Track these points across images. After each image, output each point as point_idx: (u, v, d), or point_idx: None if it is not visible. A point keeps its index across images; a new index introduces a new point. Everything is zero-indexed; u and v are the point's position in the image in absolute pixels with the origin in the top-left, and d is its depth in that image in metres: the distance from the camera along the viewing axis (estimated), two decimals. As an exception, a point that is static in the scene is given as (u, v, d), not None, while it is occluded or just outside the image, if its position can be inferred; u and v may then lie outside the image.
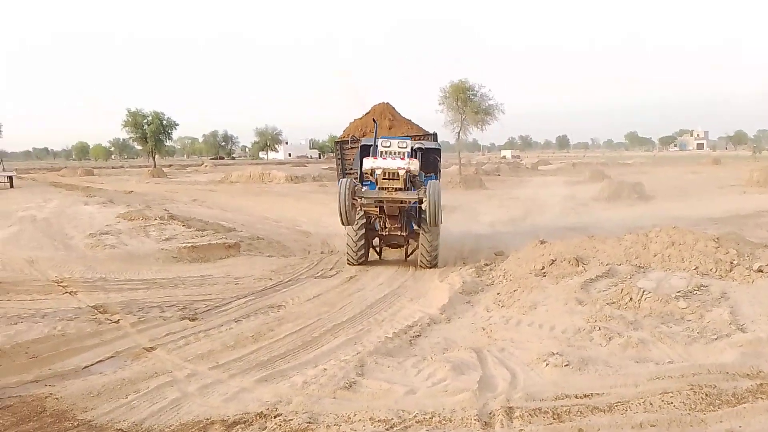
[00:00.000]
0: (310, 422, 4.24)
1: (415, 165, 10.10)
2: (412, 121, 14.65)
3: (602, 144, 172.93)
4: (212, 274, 10.79)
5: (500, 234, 15.43)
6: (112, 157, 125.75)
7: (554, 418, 4.07)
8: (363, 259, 11.43)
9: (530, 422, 4.02)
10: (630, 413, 4.11)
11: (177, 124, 63.48)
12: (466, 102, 40.44)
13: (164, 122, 63.78)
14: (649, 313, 6.48)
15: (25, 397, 5.08)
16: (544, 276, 8.64)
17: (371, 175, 10.38)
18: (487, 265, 10.56)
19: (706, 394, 4.32)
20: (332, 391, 4.85)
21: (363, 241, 11.27)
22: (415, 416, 4.21)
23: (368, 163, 10.21)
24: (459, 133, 41.46)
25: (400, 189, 10.10)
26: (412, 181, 10.58)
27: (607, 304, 6.82)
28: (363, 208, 10.71)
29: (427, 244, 10.72)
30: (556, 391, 4.51)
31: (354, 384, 4.98)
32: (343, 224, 10.35)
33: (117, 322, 7.52)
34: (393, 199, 10.18)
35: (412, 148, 10.58)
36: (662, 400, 4.24)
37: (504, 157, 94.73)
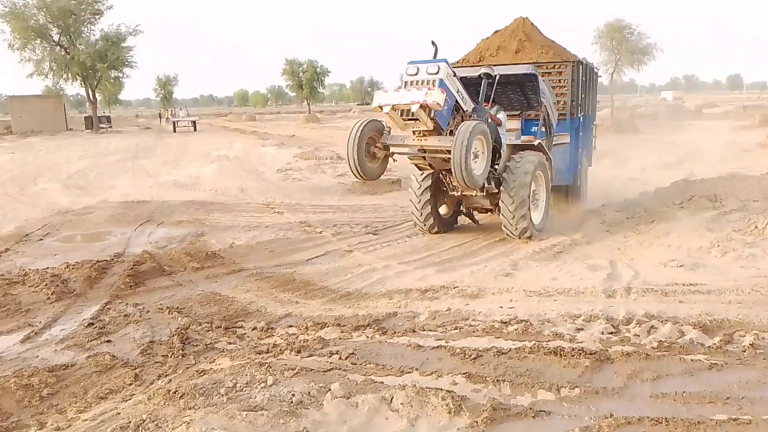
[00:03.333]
0: (479, 291, 6.02)
1: (436, 97, 7.19)
2: (556, 42, 11.77)
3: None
4: (382, 204, 12.79)
5: (650, 179, 15.84)
6: (269, 103, 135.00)
7: (662, 295, 5.49)
8: (435, 226, 9.22)
9: (643, 296, 5.48)
10: (723, 295, 5.41)
11: (329, 72, 66.51)
12: (622, 42, 39.15)
13: (318, 70, 67.64)
14: (769, 238, 7.41)
15: (278, 273, 7.35)
16: (682, 209, 9.61)
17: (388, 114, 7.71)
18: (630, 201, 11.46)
19: None
20: (494, 276, 6.60)
21: (430, 205, 9.08)
22: (557, 290, 5.85)
23: (378, 98, 7.65)
24: (612, 74, 40.37)
25: (431, 133, 7.68)
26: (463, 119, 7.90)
27: (734, 231, 7.80)
28: (411, 160, 8.64)
29: (506, 209, 8.33)
30: (668, 281, 5.90)
31: (510, 274, 6.68)
32: (357, 178, 8.32)
33: (320, 233, 9.75)
34: (425, 149, 7.95)
35: (454, 74, 7.75)
36: (752, 289, 5.48)
37: (664, 98, 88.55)
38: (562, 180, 10.55)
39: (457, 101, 7.82)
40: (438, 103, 7.28)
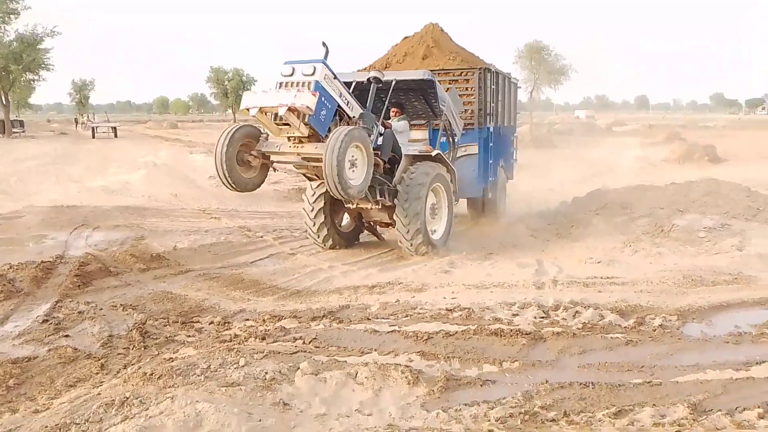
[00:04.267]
0: (422, 286, 6.53)
1: (306, 100, 6.61)
2: (467, 49, 11.48)
3: (685, 105, 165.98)
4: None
5: (568, 190, 16.97)
6: (190, 111, 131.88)
7: (584, 286, 6.20)
8: (330, 239, 8.71)
9: (567, 287, 6.16)
10: (635, 286, 6.18)
11: (256, 81, 66.05)
12: (540, 62, 41.33)
13: (244, 78, 67.13)
14: (674, 239, 8.35)
15: (225, 274, 7.57)
16: (597, 215, 10.53)
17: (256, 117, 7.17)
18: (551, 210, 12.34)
19: (692, 280, 6.33)
20: (434, 273, 7.14)
21: (324, 216, 8.53)
22: (492, 283, 6.45)
23: (246, 99, 7.10)
24: (532, 92, 42.43)
25: (308, 139, 7.09)
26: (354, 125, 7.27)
27: (642, 233, 8.74)
28: (297, 170, 8.23)
29: (400, 223, 7.89)
30: (588, 275, 6.63)
31: (448, 271, 7.24)
32: (230, 189, 7.58)
33: (261, 237, 9.99)
34: (291, 154, 7.39)
35: (334, 76, 7.12)
36: (660, 281, 6.29)
37: (577, 117, 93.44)
38: (471, 192, 10.39)
39: (339, 106, 7.27)
40: (308, 107, 6.69)
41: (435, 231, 8.51)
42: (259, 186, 7.91)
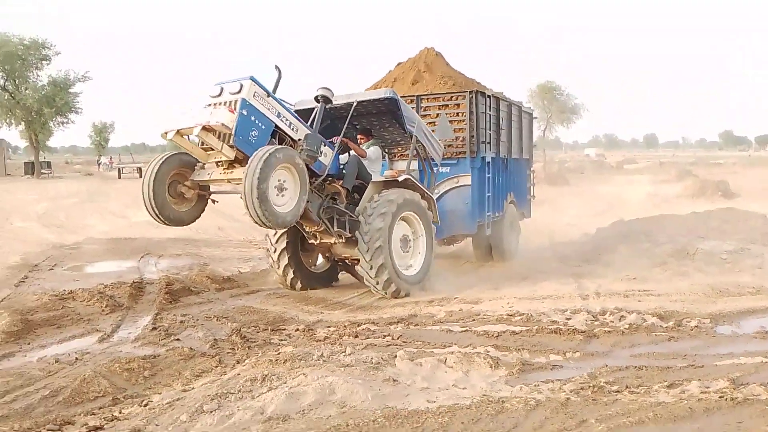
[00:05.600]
0: (477, 299, 7.34)
1: (221, 117, 6.21)
2: (465, 74, 10.75)
3: (694, 143, 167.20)
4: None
5: (586, 224, 17.62)
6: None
7: (624, 297, 7.00)
8: (297, 282, 8.13)
9: (609, 298, 6.97)
10: (670, 297, 6.97)
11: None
12: (552, 101, 42.62)
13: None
14: (698, 261, 9.13)
15: (292, 294, 8.36)
16: (622, 243, 11.31)
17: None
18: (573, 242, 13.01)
19: (719, 291, 7.13)
20: (483, 290, 7.96)
21: (288, 255, 7.98)
22: (542, 296, 7.26)
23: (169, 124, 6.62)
24: (544, 131, 43.60)
25: (240, 164, 6.52)
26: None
27: (669, 256, 9.51)
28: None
29: (362, 257, 7.34)
30: (626, 289, 7.44)
31: (497, 288, 8.05)
32: (161, 224, 7.01)
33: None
34: (222, 181, 6.82)
35: (268, 93, 6.70)
36: (691, 292, 7.09)
37: (587, 155, 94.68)
38: (462, 228, 9.54)
39: (278, 126, 6.76)
40: (224, 125, 6.22)
41: (410, 266, 7.82)
42: (195, 219, 7.29)
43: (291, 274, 8.13)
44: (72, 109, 41.94)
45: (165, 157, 6.91)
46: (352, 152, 7.97)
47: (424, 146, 8.26)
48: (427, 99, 9.83)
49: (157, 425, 3.83)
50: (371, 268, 7.31)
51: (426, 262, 7.97)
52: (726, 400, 4.00)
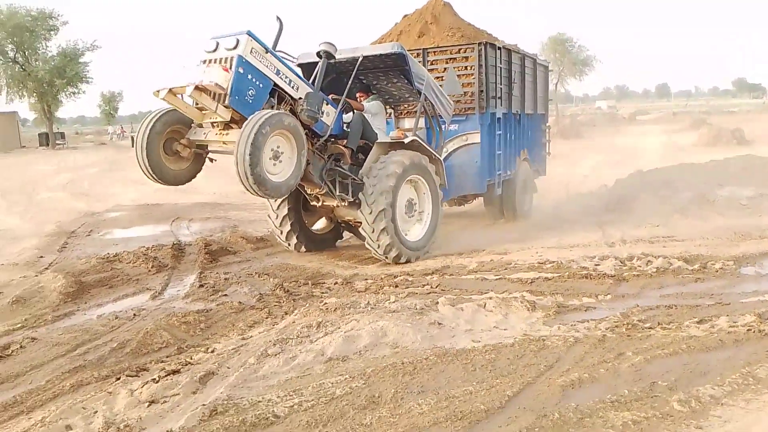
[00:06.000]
0: (506, 250, 7.61)
1: (215, 76, 5.90)
2: (474, 25, 10.21)
3: (707, 92, 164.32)
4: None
5: (602, 175, 17.70)
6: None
7: (649, 243, 7.28)
8: (301, 244, 8.11)
9: (635, 244, 7.25)
10: (694, 241, 7.24)
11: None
12: (564, 54, 42.07)
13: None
14: (719, 207, 9.34)
15: (324, 250, 8.68)
16: (643, 192, 11.50)
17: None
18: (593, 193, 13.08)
19: (741, 235, 7.38)
20: (509, 241, 8.23)
21: (290, 222, 7.95)
22: (569, 245, 7.55)
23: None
24: (557, 84, 43.18)
25: (237, 124, 6.23)
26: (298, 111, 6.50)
27: (689, 203, 9.72)
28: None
29: (364, 221, 7.12)
30: (650, 235, 7.71)
31: (523, 239, 8.30)
32: (155, 182, 6.75)
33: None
34: (217, 143, 6.52)
35: (267, 50, 6.32)
36: (714, 237, 7.34)
37: (599, 107, 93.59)
38: (471, 188, 9.15)
39: (276, 85, 6.40)
40: (218, 84, 5.86)
41: (415, 231, 7.58)
42: (191, 179, 7.01)
43: (294, 239, 8.09)
44: (83, 79, 41.98)
45: (160, 113, 6.51)
46: (356, 110, 7.56)
47: (432, 104, 7.90)
48: (434, 52, 9.28)
49: (228, 368, 4.18)
50: (373, 232, 7.04)
51: (431, 228, 7.66)
52: (753, 332, 4.28)
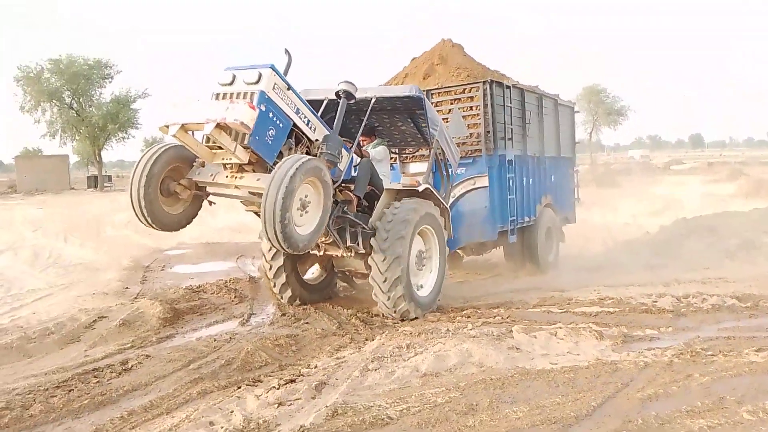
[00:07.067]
0: (563, 288, 8.09)
1: (241, 114, 5.23)
2: (482, 64, 9.66)
3: (741, 142, 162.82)
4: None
5: (643, 223, 17.79)
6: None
7: (702, 284, 7.72)
8: (296, 300, 7.49)
9: (689, 284, 7.68)
10: (744, 282, 7.70)
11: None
12: (599, 104, 42.79)
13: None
14: (765, 252, 9.69)
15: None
16: (688, 238, 11.87)
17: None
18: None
19: None
20: (564, 281, 8.70)
21: (286, 274, 7.37)
22: (626, 283, 8.00)
23: (168, 113, 5.60)
24: (591, 133, 43.79)
25: (254, 167, 5.77)
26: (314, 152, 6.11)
27: (737, 248, 10.11)
28: (246, 207, 6.67)
29: (375, 269, 6.59)
30: (702, 277, 8.21)
31: (580, 279, 8.77)
32: (147, 226, 6.12)
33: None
34: (228, 186, 5.94)
35: (289, 86, 5.82)
36: (763, 277, 7.74)
37: (632, 157, 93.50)
38: (481, 235, 8.66)
39: (296, 125, 5.92)
40: (243, 123, 5.22)
41: (422, 286, 7.04)
42: (187, 224, 6.35)
43: (289, 292, 7.46)
44: (133, 124, 44.05)
45: (160, 150, 5.84)
46: (364, 156, 7.16)
47: (443, 150, 7.54)
48: (438, 93, 8.89)
49: (336, 379, 4.75)
50: (385, 282, 6.49)
51: (438, 282, 7.19)
52: (808, 359, 4.69)
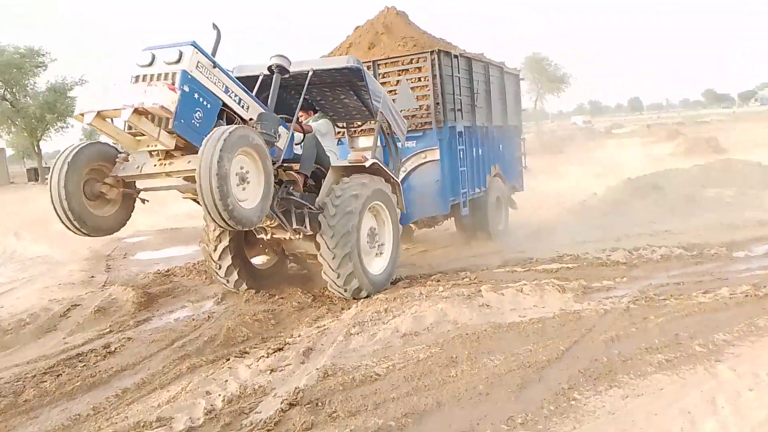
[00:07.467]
0: (521, 249, 8.51)
1: (160, 97, 4.87)
2: (429, 34, 9.44)
3: (678, 104, 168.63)
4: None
5: (588, 186, 18.44)
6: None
7: (650, 236, 8.26)
8: (242, 283, 7.14)
9: (638, 237, 8.20)
10: (689, 233, 8.29)
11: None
12: (542, 72, 43.74)
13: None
14: (707, 204, 10.39)
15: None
16: (633, 197, 12.52)
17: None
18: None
19: (730, 226, 8.43)
20: (522, 237, 9.14)
21: (231, 256, 6.99)
22: (581, 241, 8.45)
23: (83, 102, 5.37)
24: (536, 102, 44.76)
25: (182, 152, 5.35)
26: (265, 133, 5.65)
27: (679, 202, 10.76)
28: (184, 195, 6.15)
29: (326, 260, 6.36)
30: (650, 230, 8.74)
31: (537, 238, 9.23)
32: (77, 234, 5.57)
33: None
34: (159, 175, 5.53)
35: (214, 64, 5.40)
36: (705, 228, 8.34)
37: (574, 123, 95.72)
38: (434, 209, 8.53)
39: (225, 104, 5.56)
40: (164, 107, 4.88)
41: (375, 264, 6.85)
42: (122, 225, 5.90)
43: (235, 275, 7.09)
44: (71, 113, 42.46)
45: (74, 149, 5.33)
46: (308, 132, 6.66)
47: (389, 123, 7.23)
48: (385, 64, 8.55)
49: (322, 344, 5.00)
50: (334, 258, 6.27)
51: (392, 260, 7.03)
52: (750, 296, 5.22)
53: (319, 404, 3.88)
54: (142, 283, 8.13)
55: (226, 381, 4.39)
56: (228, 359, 5.00)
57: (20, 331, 6.38)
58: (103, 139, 5.91)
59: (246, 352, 5.17)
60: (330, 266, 6.33)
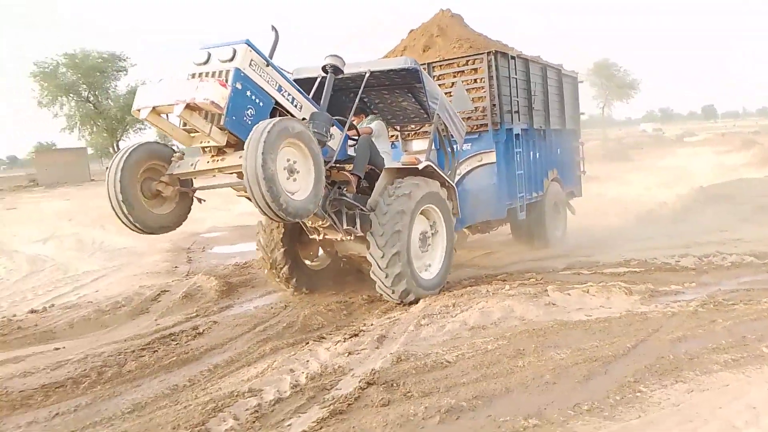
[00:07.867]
0: (589, 252, 8.59)
1: (211, 93, 4.97)
2: (484, 36, 9.29)
3: (755, 112, 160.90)
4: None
5: (656, 195, 17.93)
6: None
7: (720, 244, 8.18)
8: (293, 279, 7.21)
9: (708, 245, 8.16)
10: (760, 242, 8.14)
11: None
12: (610, 78, 42.85)
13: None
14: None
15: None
16: (706, 205, 12.30)
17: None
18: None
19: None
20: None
21: (283, 251, 7.08)
22: (652, 247, 8.47)
23: (139, 96, 5.39)
24: (603, 108, 43.89)
25: (228, 149, 5.45)
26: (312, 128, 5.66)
27: (752, 213, 10.54)
28: (238, 193, 6.04)
29: (375, 262, 6.31)
30: (720, 239, 8.66)
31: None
32: (135, 231, 5.69)
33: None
34: (210, 172, 5.58)
35: (268, 62, 5.53)
36: None
37: (643, 130, 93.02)
38: (489, 213, 8.34)
39: (278, 103, 5.65)
40: (214, 103, 4.98)
41: (429, 266, 6.83)
42: (180, 223, 6.04)
43: (286, 272, 7.11)
44: (147, 115, 44.61)
45: (130, 149, 5.51)
46: (360, 135, 6.73)
47: (446, 126, 7.20)
48: (440, 66, 8.48)
49: (394, 333, 5.32)
50: (383, 263, 6.21)
51: (445, 265, 6.93)
52: (822, 304, 5.19)
53: (394, 385, 4.19)
54: (223, 273, 8.70)
55: (308, 361, 4.77)
56: (307, 343, 5.39)
57: (116, 312, 7.01)
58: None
59: (323, 338, 5.54)
60: (378, 265, 6.25)
